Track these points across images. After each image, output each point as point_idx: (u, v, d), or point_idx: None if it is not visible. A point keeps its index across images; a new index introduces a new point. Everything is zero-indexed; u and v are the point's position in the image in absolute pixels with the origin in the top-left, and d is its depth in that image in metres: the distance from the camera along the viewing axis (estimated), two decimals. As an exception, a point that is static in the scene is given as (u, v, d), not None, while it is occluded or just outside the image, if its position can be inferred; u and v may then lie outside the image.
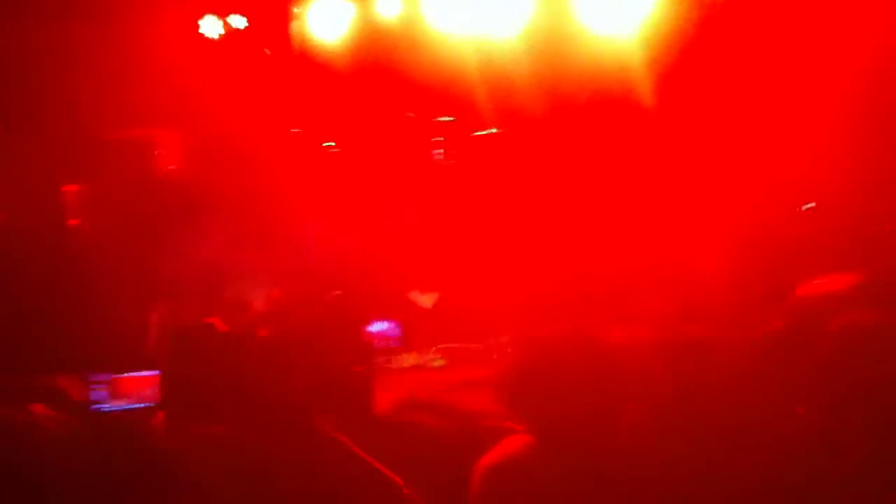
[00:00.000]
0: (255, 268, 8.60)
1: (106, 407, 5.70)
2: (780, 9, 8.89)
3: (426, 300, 8.95)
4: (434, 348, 8.01)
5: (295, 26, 9.93)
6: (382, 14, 9.74)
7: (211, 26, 9.94)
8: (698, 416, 3.08)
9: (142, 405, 5.44)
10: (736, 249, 7.93)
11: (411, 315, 8.68)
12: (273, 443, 3.05)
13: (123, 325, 7.55)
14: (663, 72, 8.89)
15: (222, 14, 9.92)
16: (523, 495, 3.09)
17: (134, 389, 5.72)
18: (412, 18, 9.63)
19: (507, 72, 9.43)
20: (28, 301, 7.58)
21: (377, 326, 7.97)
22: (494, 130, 9.75)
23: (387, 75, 9.74)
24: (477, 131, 9.79)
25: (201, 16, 9.88)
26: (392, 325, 8.18)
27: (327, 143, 10.08)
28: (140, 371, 5.75)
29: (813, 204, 8.41)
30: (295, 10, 9.90)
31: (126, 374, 5.80)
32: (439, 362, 7.98)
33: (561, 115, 9.41)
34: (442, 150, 9.88)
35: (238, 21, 9.94)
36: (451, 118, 9.84)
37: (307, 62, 9.90)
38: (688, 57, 8.86)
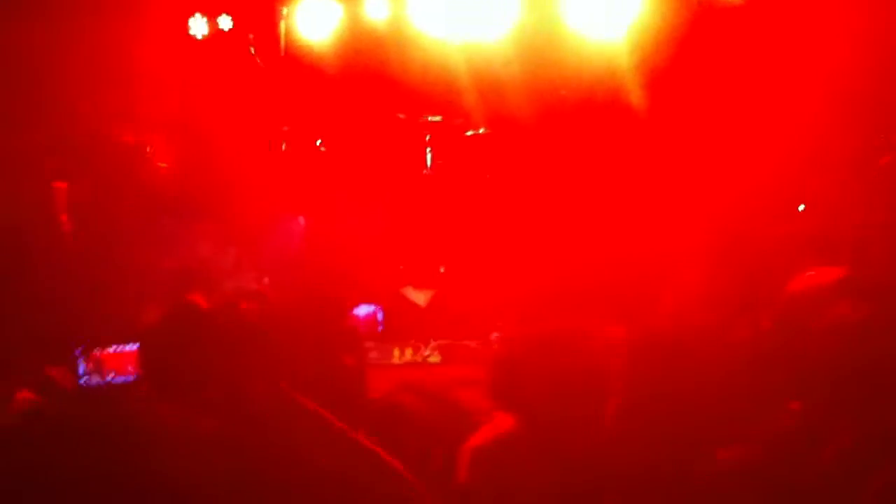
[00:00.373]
0: (243, 263, 8.62)
1: (94, 382, 5.80)
2: (764, 14, 8.97)
3: (420, 297, 8.94)
4: (429, 345, 7.94)
5: (282, 27, 9.94)
6: (369, 15, 9.77)
7: (198, 26, 9.95)
8: (679, 410, 3.12)
9: (129, 378, 5.57)
10: (721, 248, 7.97)
11: (405, 311, 8.65)
12: (265, 437, 3.03)
13: (108, 304, 7.59)
14: (649, 74, 8.96)
15: (211, 15, 9.93)
16: (509, 477, 3.13)
17: (119, 364, 5.81)
18: (399, 20, 9.66)
19: (495, 74, 9.48)
20: (18, 290, 7.61)
21: (362, 310, 7.94)
22: (483, 131, 9.77)
23: (373, 76, 9.76)
24: (467, 131, 9.80)
25: (191, 15, 9.89)
26: (376, 308, 8.14)
27: (315, 142, 10.08)
28: (124, 346, 5.84)
29: (803, 206, 8.47)
30: (283, 10, 9.91)
31: (111, 350, 5.87)
32: (435, 358, 7.92)
33: (547, 116, 9.45)
34: (432, 150, 9.87)
35: (225, 21, 9.95)
36: (439, 118, 9.85)
37: (294, 62, 9.92)
38: (671, 60, 8.93)
